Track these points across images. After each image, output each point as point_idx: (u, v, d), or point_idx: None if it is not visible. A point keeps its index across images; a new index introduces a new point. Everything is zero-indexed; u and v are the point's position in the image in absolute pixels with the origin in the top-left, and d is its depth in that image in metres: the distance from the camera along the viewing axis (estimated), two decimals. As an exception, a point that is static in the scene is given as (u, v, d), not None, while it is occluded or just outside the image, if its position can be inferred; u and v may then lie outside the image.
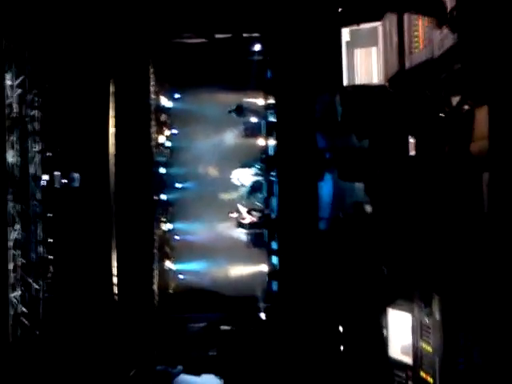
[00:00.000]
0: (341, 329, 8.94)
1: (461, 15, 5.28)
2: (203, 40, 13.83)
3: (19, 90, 11.87)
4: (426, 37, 6.19)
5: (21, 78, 11.87)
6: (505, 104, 5.04)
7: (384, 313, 6.34)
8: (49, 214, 12.58)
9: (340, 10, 8.17)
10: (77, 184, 12.41)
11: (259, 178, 14.44)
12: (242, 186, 14.74)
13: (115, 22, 12.57)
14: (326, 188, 11.68)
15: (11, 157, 11.68)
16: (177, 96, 15.58)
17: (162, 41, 14.16)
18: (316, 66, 11.50)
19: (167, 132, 15.59)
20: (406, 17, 6.61)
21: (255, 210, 14.37)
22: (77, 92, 12.71)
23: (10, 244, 11.58)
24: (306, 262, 11.32)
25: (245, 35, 13.58)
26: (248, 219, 14.18)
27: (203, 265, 15.04)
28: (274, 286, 13.57)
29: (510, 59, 4.92)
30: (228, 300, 14.26)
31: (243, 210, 14.26)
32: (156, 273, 14.53)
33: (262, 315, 13.57)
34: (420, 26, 6.41)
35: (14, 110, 11.79)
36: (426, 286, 5.66)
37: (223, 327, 13.14)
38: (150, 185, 14.48)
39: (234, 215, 14.45)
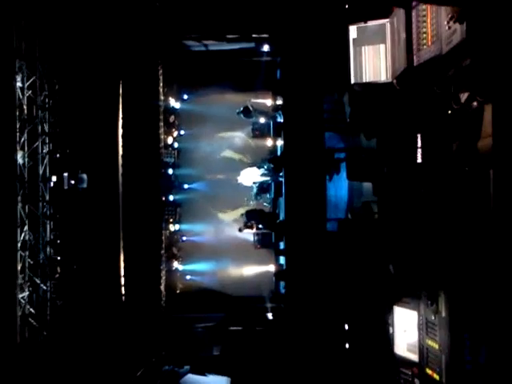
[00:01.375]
0: (346, 326, 8.90)
1: (470, 9, 5.22)
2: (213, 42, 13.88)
3: (29, 92, 11.96)
4: (434, 33, 6.11)
5: (31, 80, 11.96)
6: (509, 100, 4.98)
7: (390, 310, 6.28)
8: (57, 215, 12.64)
9: (347, 6, 8.13)
10: (84, 185, 12.44)
11: (267, 179, 14.42)
12: (253, 184, 14.70)
13: (125, 23, 12.63)
14: (334, 189, 11.64)
15: (21, 158, 11.77)
16: (185, 97, 15.62)
17: (172, 42, 14.21)
18: (325, 66, 11.47)
19: (175, 133, 15.62)
20: (414, 13, 6.54)
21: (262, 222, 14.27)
22: (86, 93, 12.78)
23: (19, 245, 11.66)
24: (313, 262, 11.27)
25: (254, 36, 13.59)
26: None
27: (210, 265, 15.04)
28: (282, 286, 13.55)
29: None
30: (235, 300, 14.24)
31: (250, 230, 14.16)
32: (163, 273, 14.53)
33: (269, 315, 13.53)
34: (428, 23, 6.33)
35: (25, 112, 11.90)
36: (433, 284, 5.60)
37: (233, 327, 13.11)
38: (158, 186, 14.51)
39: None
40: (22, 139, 11.82)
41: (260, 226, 14.06)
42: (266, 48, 13.96)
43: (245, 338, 12.76)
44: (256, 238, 14.28)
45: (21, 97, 11.74)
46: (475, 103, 5.56)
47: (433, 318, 5.48)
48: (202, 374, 12.58)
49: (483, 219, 5.14)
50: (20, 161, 11.69)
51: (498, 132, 4.93)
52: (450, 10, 5.48)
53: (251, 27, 13.15)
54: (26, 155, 11.88)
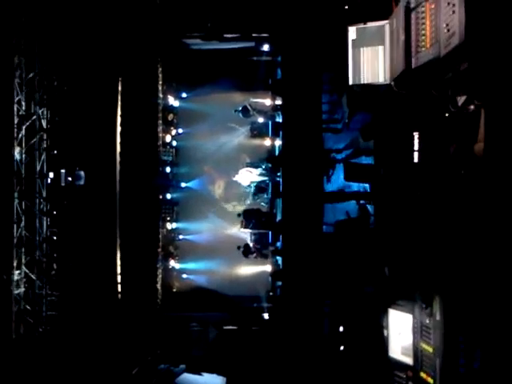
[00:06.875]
0: (341, 329, 8.91)
1: (468, 14, 5.20)
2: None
3: (28, 88, 11.95)
4: (432, 36, 6.08)
5: (30, 76, 11.95)
6: (503, 104, 4.98)
7: (385, 313, 6.27)
8: (54, 212, 12.63)
9: (346, 7, 8.12)
10: (82, 182, 12.43)
11: (265, 179, 14.38)
12: (248, 186, 14.66)
13: (124, 20, 12.61)
14: (331, 190, 11.61)
15: (18, 154, 11.77)
16: (184, 95, 15.58)
17: (171, 40, 14.18)
18: (324, 66, 11.46)
19: (174, 131, 15.58)
20: (413, 15, 6.51)
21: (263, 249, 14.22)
22: (85, 90, 12.76)
23: (15, 241, 11.65)
24: (310, 263, 11.25)
25: (254, 35, 13.56)
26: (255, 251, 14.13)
27: (207, 264, 15.00)
28: (278, 286, 13.51)
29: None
30: (231, 300, 14.22)
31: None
32: (160, 272, 14.52)
33: (265, 315, 13.51)
34: (427, 25, 6.31)
35: (23, 108, 11.89)
36: (427, 287, 5.60)
37: (227, 327, 13.09)
38: (156, 184, 14.49)
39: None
40: (20, 135, 11.83)
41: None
42: (265, 47, 13.93)
43: (241, 337, 12.75)
44: (253, 237, 14.23)
45: (19, 93, 11.74)
46: (472, 106, 5.56)
47: (427, 321, 5.47)
48: (198, 373, 12.57)
49: (479, 222, 5.13)
50: (17, 157, 11.71)
51: (490, 136, 4.95)
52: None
53: (251, 26, 13.13)
54: (24, 151, 11.88)
